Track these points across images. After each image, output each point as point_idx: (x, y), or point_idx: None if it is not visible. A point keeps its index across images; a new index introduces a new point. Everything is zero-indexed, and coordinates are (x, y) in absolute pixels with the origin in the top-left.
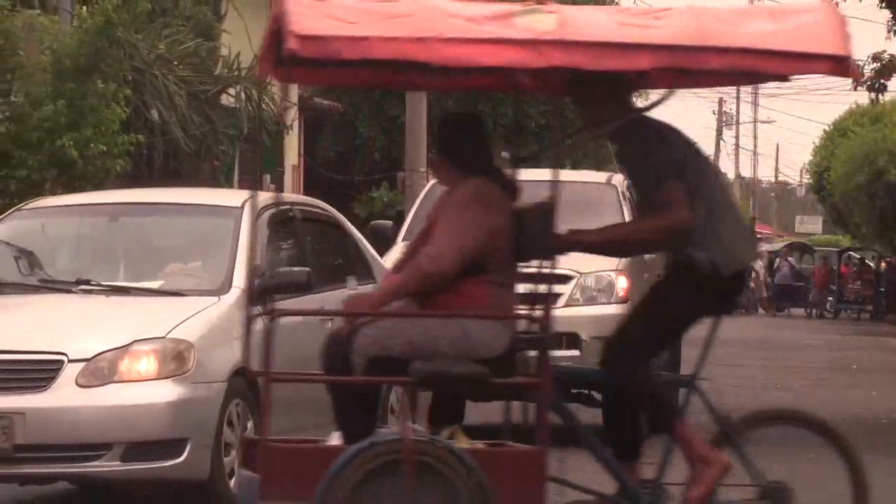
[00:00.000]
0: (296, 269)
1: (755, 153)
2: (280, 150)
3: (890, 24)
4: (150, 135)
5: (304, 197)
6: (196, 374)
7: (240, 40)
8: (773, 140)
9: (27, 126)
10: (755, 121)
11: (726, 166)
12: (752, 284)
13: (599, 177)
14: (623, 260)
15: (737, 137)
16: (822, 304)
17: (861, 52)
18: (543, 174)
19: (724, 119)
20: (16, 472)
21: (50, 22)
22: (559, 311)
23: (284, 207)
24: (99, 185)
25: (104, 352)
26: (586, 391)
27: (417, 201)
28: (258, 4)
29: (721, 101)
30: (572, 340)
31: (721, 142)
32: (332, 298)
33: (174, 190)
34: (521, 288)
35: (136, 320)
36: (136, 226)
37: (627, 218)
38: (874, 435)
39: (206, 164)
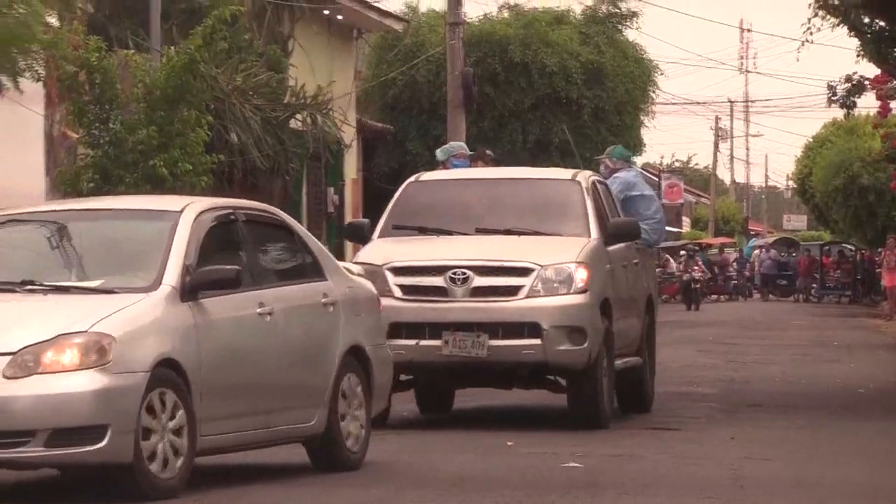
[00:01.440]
0: (225, 266)
1: (747, 162)
2: (341, 166)
3: (858, 49)
4: (229, 155)
5: (251, 202)
6: (117, 364)
7: (304, 73)
8: (762, 151)
9: (124, 149)
10: (747, 135)
11: (723, 174)
12: (746, 273)
13: (564, 173)
14: (583, 251)
15: (731, 149)
16: (807, 291)
17: (835, 73)
18: (510, 171)
19: (721, 134)
20: None
21: (142, 59)
22: (520, 303)
23: (225, 211)
24: None
25: (30, 345)
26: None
27: (392, 202)
28: (320, 43)
29: (717, 119)
30: (533, 329)
31: (718, 153)
32: (270, 295)
33: (127, 197)
34: (479, 281)
35: (64, 316)
36: (86, 230)
37: (591, 215)
38: (853, 402)
39: (279, 179)
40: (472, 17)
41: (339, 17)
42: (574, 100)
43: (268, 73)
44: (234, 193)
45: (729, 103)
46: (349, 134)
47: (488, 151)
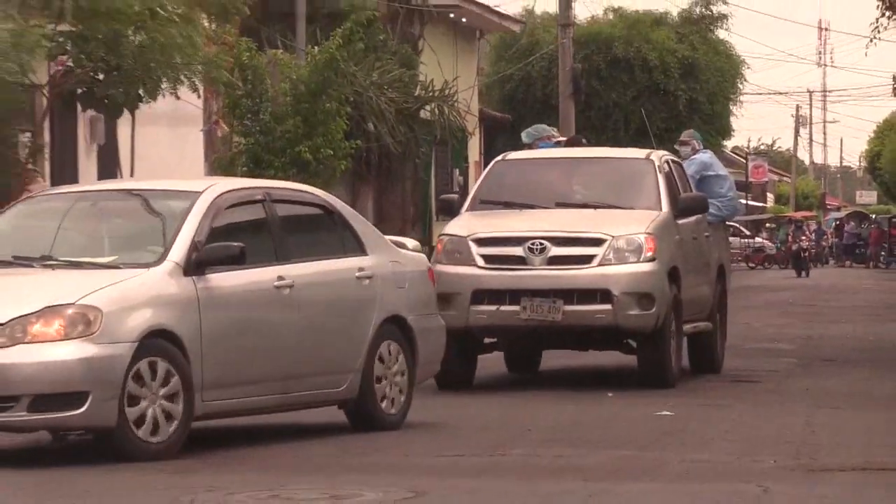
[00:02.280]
0: (231, 244)
1: (824, 145)
2: (465, 151)
3: None
4: (366, 141)
5: (290, 184)
6: (103, 335)
7: (433, 70)
8: (838, 135)
9: (273, 137)
10: (824, 121)
11: (803, 155)
12: (823, 242)
13: (639, 153)
14: (653, 223)
15: (810, 134)
16: (876, 258)
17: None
18: (589, 151)
19: (801, 120)
20: None
21: (289, 58)
22: (593, 270)
23: (250, 192)
24: (328, 181)
25: (19, 316)
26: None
27: (480, 179)
28: (446, 43)
29: (798, 107)
30: (605, 295)
31: (798, 137)
32: (294, 270)
33: (156, 181)
34: (555, 251)
35: (57, 289)
36: (114, 209)
37: (663, 191)
38: None
39: (410, 162)
40: (580, 19)
41: (464, 20)
42: (671, 92)
43: (400, 69)
44: (371, 175)
45: (808, 93)
46: (472, 123)
47: (583, 139)
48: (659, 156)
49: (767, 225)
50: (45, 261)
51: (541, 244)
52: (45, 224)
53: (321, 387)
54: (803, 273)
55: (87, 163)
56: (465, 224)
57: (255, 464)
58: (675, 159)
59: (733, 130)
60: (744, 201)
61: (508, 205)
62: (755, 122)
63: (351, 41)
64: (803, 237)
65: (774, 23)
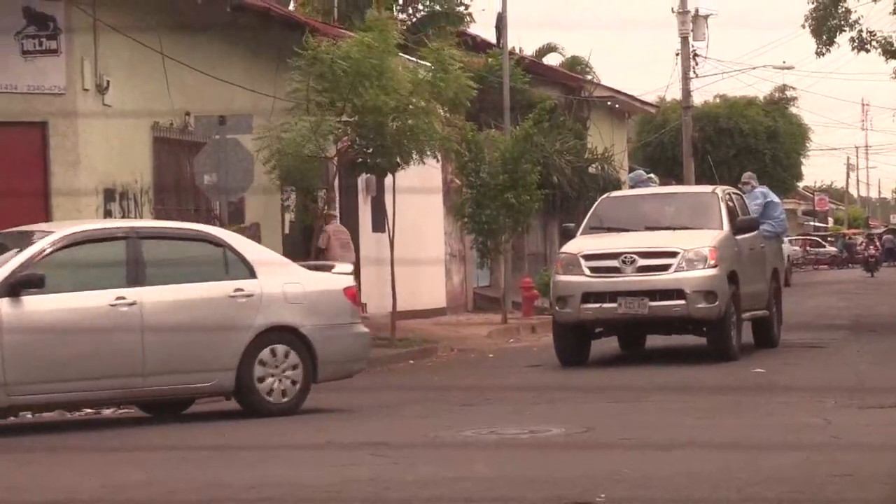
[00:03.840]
0: (34, 273)
1: (867, 184)
2: None
3: None
4: (552, 190)
5: (178, 223)
6: None
7: (596, 139)
8: (877, 176)
9: (489, 188)
10: (867, 168)
11: (853, 191)
12: (871, 250)
13: (707, 188)
14: (715, 239)
15: (857, 177)
16: None
17: None
18: (670, 188)
19: (850, 167)
20: None
21: (498, 135)
22: (670, 275)
23: (110, 230)
24: (527, 217)
25: None
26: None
27: (591, 211)
28: (605, 121)
29: (848, 158)
30: (680, 294)
31: (848, 179)
32: (141, 291)
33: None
34: (642, 262)
35: None
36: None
37: (724, 215)
38: None
39: (582, 203)
40: (697, 103)
41: (617, 105)
42: (759, 150)
43: (574, 140)
44: (556, 212)
45: (855, 149)
46: (623, 175)
47: (671, 181)
48: (723, 190)
49: (829, 238)
50: None
51: (631, 257)
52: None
53: (182, 382)
54: (872, 274)
55: (364, 208)
56: (577, 245)
57: (458, 417)
58: (737, 192)
59: (803, 175)
60: (811, 223)
61: (610, 229)
62: (819, 169)
63: (540, 122)
64: (872, 247)
65: (830, 101)
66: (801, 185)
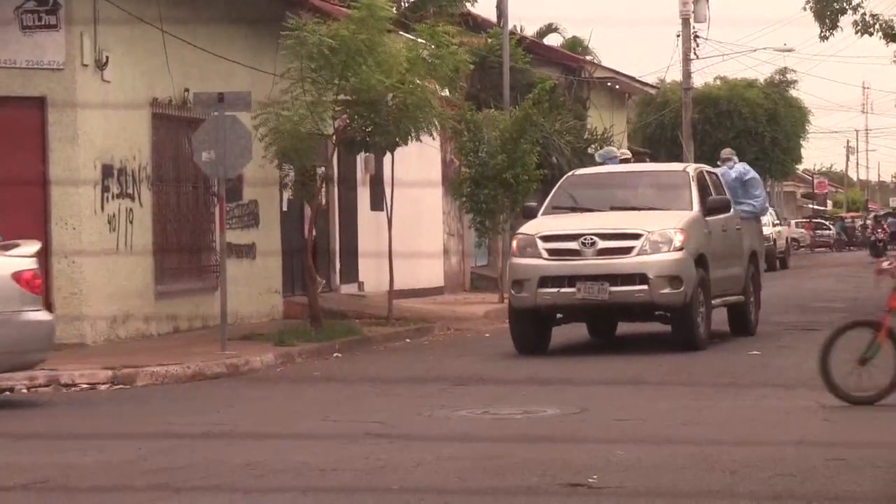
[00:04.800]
0: None
1: (867, 167)
2: None
3: None
4: (551, 170)
5: None
6: None
7: (596, 120)
8: (876, 159)
9: (488, 168)
10: (867, 150)
11: (852, 174)
12: (880, 233)
13: (678, 166)
14: (683, 220)
15: (857, 160)
16: None
17: None
18: (638, 166)
19: (850, 150)
20: None
21: (498, 114)
22: (632, 259)
23: None
24: (525, 197)
25: None
26: None
27: (554, 189)
28: (605, 101)
29: (847, 141)
30: (643, 278)
31: (848, 162)
32: None
33: None
34: (603, 244)
35: None
36: None
37: (695, 195)
38: None
39: None
40: (697, 85)
41: (617, 86)
42: (759, 133)
43: (574, 120)
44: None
45: (855, 132)
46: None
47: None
48: (694, 168)
49: (828, 221)
50: None
51: (591, 239)
52: None
53: None
54: (881, 257)
55: (363, 187)
56: (535, 225)
57: (460, 397)
58: (711, 170)
59: (803, 158)
60: (810, 206)
61: (574, 209)
62: (818, 152)
63: (539, 102)
64: (879, 230)
65: (830, 83)
66: (800, 167)
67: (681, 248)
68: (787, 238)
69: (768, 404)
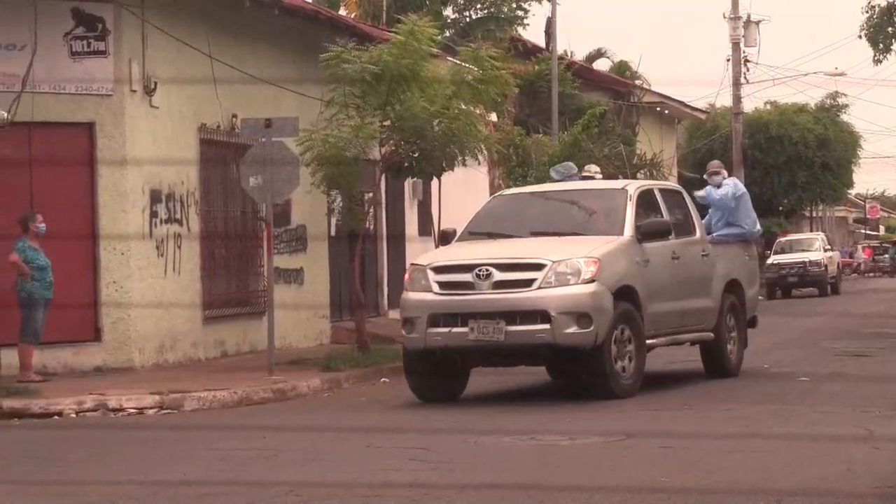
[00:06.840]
0: None
1: None
2: None
3: None
4: None
5: None
6: None
7: (645, 145)
8: None
9: None
10: None
11: None
12: None
13: (618, 184)
14: (601, 248)
15: None
16: None
17: None
18: (574, 184)
19: None
20: None
21: (546, 139)
22: (531, 293)
23: None
24: None
25: None
26: None
27: (476, 213)
28: (654, 127)
29: None
30: (544, 316)
31: None
32: None
33: None
34: (499, 276)
35: None
36: None
37: (629, 218)
38: None
39: None
40: (747, 110)
41: (666, 111)
42: (809, 158)
43: (623, 145)
44: None
45: None
46: (673, 181)
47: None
48: (635, 186)
49: (883, 245)
50: None
51: (486, 270)
52: None
53: None
54: None
55: (411, 212)
56: (433, 254)
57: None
58: (673, 188)
59: (854, 183)
60: (862, 231)
61: (491, 235)
62: (871, 176)
63: (589, 127)
64: None
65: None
66: (852, 192)
67: (591, 280)
68: (838, 263)
69: (817, 430)
